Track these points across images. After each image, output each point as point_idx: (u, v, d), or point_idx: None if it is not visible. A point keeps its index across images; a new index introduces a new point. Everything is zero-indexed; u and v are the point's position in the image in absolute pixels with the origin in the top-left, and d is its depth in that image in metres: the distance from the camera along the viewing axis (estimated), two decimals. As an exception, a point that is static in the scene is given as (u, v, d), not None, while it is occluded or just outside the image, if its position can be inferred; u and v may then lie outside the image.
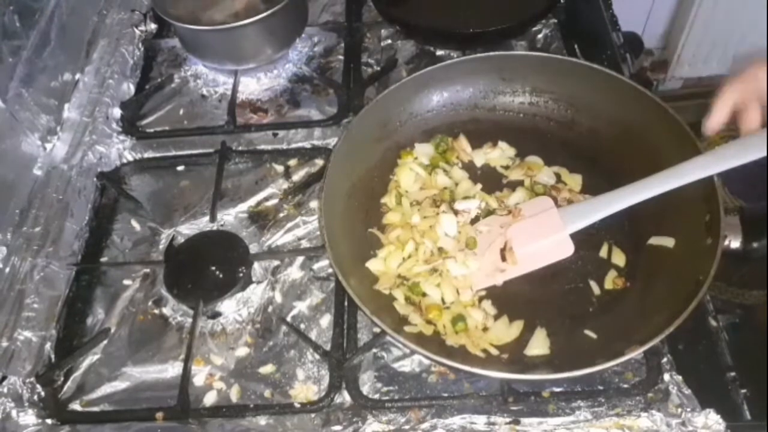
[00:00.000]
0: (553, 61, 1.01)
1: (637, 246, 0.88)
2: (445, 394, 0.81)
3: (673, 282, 0.79)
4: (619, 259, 0.88)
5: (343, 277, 0.78)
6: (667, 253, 0.85)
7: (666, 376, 0.79)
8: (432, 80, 1.00)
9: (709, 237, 0.78)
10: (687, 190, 0.84)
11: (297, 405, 0.82)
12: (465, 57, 1.05)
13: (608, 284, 0.86)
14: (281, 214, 1.01)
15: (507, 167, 0.99)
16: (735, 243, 0.78)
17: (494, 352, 0.80)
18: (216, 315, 0.91)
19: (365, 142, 0.96)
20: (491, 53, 1.01)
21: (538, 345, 0.80)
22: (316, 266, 0.94)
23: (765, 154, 0.74)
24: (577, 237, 0.90)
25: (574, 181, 0.96)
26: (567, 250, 0.86)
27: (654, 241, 0.86)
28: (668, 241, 0.85)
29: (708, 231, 0.79)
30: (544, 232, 0.87)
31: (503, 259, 0.86)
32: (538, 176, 0.96)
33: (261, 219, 1.01)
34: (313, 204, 1.00)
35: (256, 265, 0.94)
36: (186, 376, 0.84)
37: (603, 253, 0.88)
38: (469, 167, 1.00)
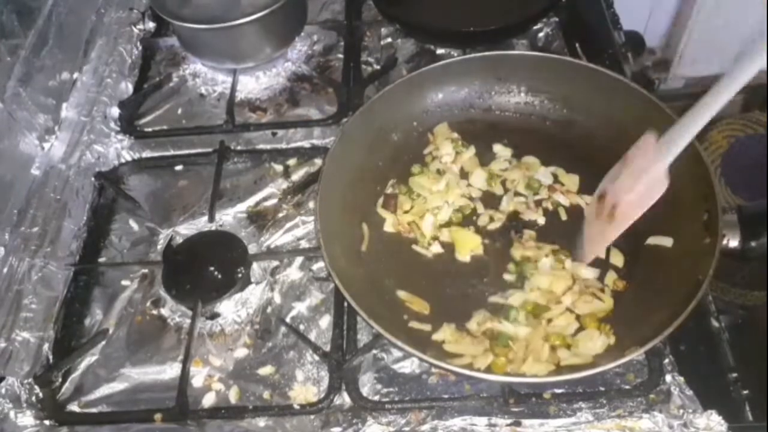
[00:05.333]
0: (548, 60, 1.01)
1: (636, 246, 0.87)
2: (446, 396, 0.81)
3: (673, 282, 0.78)
4: (617, 259, 0.87)
5: (340, 280, 0.78)
6: (665, 253, 0.84)
7: (668, 378, 0.79)
8: (427, 81, 1.00)
9: (707, 236, 0.78)
10: (685, 188, 0.84)
11: (296, 406, 0.81)
12: (460, 57, 1.04)
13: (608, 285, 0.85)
14: (280, 214, 1.00)
15: (505, 170, 0.98)
16: (733, 242, 0.78)
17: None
18: (215, 316, 0.90)
19: (361, 143, 0.96)
20: (487, 53, 1.01)
21: None
22: (315, 267, 0.94)
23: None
24: (575, 238, 0.89)
25: (572, 180, 0.95)
26: (662, 187, 0.76)
27: (652, 240, 0.85)
28: (666, 241, 0.84)
29: (706, 230, 0.78)
30: (641, 173, 0.77)
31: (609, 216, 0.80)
32: (536, 176, 0.95)
33: (260, 219, 1.00)
34: (313, 204, 1.00)
35: (255, 265, 0.94)
36: (184, 377, 0.83)
37: (602, 253, 0.88)
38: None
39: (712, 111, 0.70)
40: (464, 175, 0.98)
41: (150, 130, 1.13)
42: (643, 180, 0.77)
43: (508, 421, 0.77)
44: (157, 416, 0.81)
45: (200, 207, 1.02)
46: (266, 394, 0.83)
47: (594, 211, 0.84)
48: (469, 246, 0.90)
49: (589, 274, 0.85)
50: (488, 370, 0.76)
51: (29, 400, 0.83)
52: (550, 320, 0.81)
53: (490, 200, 0.96)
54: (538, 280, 0.84)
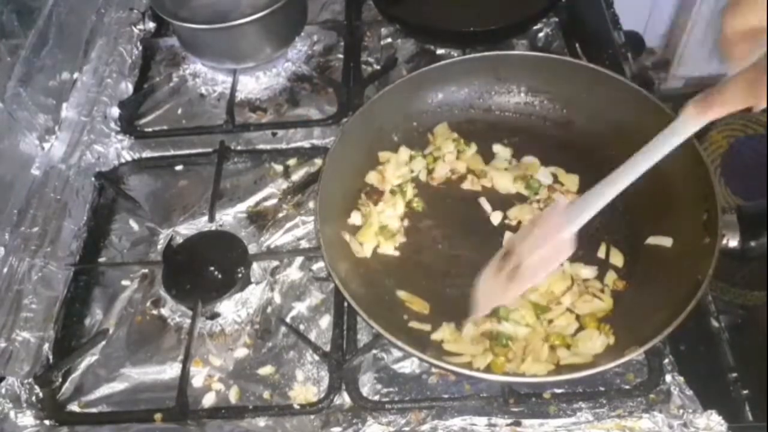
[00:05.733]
0: (548, 60, 1.01)
1: (636, 246, 0.87)
2: (446, 396, 0.81)
3: (672, 282, 0.78)
4: (617, 259, 0.87)
5: (339, 280, 0.78)
6: (665, 253, 0.84)
7: (668, 377, 0.79)
8: (426, 81, 1.00)
9: (707, 236, 0.78)
10: (685, 188, 0.84)
11: (296, 406, 0.81)
12: (459, 57, 1.05)
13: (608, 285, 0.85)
14: (280, 214, 1.00)
15: (506, 169, 0.98)
16: (733, 242, 0.78)
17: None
18: (215, 316, 0.90)
19: (360, 143, 0.96)
20: (486, 53, 1.01)
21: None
22: (315, 267, 0.94)
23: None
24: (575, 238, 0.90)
25: (571, 180, 0.95)
26: (567, 252, 0.78)
27: (652, 240, 0.86)
28: (666, 241, 0.84)
29: (706, 230, 0.79)
30: (548, 236, 0.78)
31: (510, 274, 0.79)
32: (535, 176, 0.96)
33: (260, 219, 1.00)
34: (313, 204, 1.00)
35: (255, 265, 0.94)
36: (185, 377, 0.83)
37: (601, 253, 0.88)
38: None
39: (622, 184, 0.72)
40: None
41: (150, 130, 1.13)
42: (549, 243, 0.76)
43: (508, 421, 0.77)
44: (158, 416, 0.81)
45: (200, 207, 1.02)
46: (266, 394, 0.83)
47: (497, 266, 0.80)
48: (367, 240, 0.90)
49: (588, 274, 0.85)
50: (488, 369, 0.76)
51: (29, 400, 0.83)
52: (550, 320, 0.81)
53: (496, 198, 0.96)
54: None
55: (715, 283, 0.73)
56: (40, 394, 0.84)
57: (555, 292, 0.83)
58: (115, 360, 0.88)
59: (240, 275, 0.91)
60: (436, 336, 0.81)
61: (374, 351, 0.85)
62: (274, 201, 1.02)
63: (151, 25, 1.30)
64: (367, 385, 0.82)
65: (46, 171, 1.04)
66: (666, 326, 0.70)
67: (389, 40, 1.23)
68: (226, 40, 1.13)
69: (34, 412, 0.82)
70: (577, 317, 0.81)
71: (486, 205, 0.94)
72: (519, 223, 0.92)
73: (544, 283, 0.83)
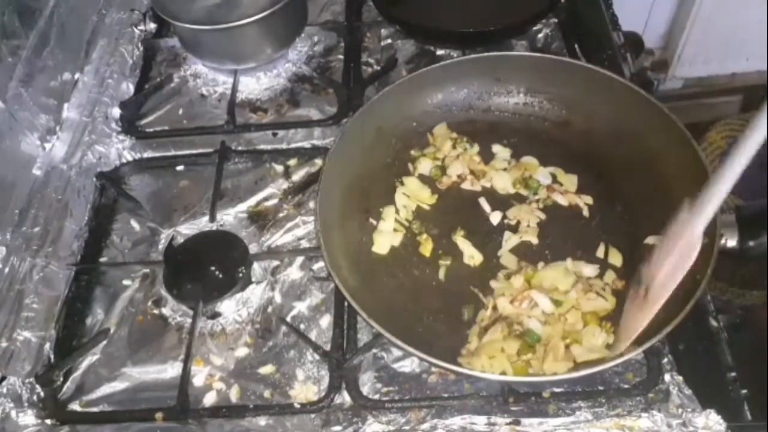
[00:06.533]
0: (547, 61, 1.01)
1: (634, 246, 0.87)
2: (446, 395, 0.81)
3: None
4: (616, 259, 0.87)
5: (339, 280, 0.78)
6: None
7: (667, 377, 0.79)
8: (426, 82, 1.00)
9: (705, 236, 0.78)
10: (683, 188, 0.84)
11: (297, 405, 0.81)
12: (459, 58, 1.05)
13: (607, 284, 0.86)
14: (281, 214, 1.01)
15: (505, 169, 0.98)
16: (731, 242, 0.78)
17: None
18: (215, 315, 0.91)
19: (360, 144, 0.96)
20: (486, 54, 1.02)
21: None
22: (315, 266, 0.94)
23: None
24: (574, 238, 0.90)
25: (570, 181, 0.96)
26: (694, 250, 0.72)
27: (650, 240, 0.86)
28: None
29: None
30: (675, 241, 0.73)
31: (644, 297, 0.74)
32: (534, 176, 0.96)
33: (260, 219, 1.01)
34: (313, 204, 1.00)
35: (255, 265, 0.94)
36: (185, 376, 0.83)
37: (600, 253, 0.88)
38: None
39: (743, 160, 0.67)
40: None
41: (151, 130, 1.14)
42: (676, 248, 0.72)
43: (508, 420, 0.78)
44: (159, 415, 0.81)
45: (201, 207, 1.02)
46: (267, 393, 0.83)
47: (631, 296, 0.78)
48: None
49: (591, 272, 0.85)
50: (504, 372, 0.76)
51: (30, 400, 0.84)
52: (565, 319, 0.81)
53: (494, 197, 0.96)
54: (541, 277, 0.85)
55: (713, 282, 0.73)
56: (42, 394, 0.85)
57: (559, 288, 0.83)
58: (117, 359, 0.88)
59: (241, 275, 0.91)
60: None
61: (374, 350, 0.85)
62: (274, 201, 1.03)
63: (152, 26, 1.30)
64: (367, 384, 0.83)
65: (47, 171, 1.04)
66: (665, 325, 0.71)
67: (389, 40, 1.24)
68: (227, 40, 1.14)
69: (36, 412, 0.83)
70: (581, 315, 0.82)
71: (485, 205, 0.95)
72: (518, 222, 0.92)
73: (548, 279, 0.83)
